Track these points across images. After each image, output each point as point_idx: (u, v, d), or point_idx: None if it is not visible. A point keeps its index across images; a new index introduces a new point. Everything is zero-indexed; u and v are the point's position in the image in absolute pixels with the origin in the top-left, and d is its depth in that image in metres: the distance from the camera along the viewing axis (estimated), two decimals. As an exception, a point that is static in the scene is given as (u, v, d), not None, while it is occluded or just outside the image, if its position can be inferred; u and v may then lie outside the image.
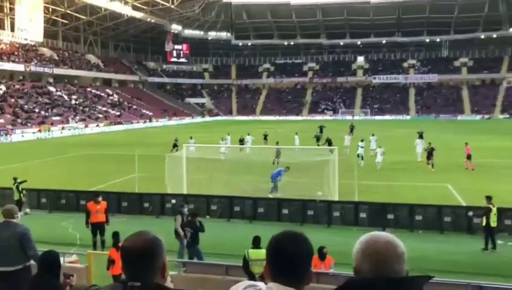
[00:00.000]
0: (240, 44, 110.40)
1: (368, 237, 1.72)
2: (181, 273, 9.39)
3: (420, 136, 31.95)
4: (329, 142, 32.77)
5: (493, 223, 13.18)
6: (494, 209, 13.31)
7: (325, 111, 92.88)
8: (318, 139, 37.25)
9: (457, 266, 11.84)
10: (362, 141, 29.58)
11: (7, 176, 23.73)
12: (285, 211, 16.53)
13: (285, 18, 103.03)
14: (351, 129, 48.62)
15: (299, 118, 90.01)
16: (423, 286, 1.64)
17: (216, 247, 13.34)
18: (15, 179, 17.77)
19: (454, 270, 11.43)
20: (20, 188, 17.55)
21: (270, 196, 18.71)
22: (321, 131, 46.66)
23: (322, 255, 9.53)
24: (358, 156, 28.08)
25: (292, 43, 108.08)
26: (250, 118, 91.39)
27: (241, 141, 34.54)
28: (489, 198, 13.58)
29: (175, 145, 31.03)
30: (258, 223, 16.24)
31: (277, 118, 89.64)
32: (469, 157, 26.19)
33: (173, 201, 17.44)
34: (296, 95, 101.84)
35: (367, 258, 1.66)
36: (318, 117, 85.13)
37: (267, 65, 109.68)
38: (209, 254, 12.67)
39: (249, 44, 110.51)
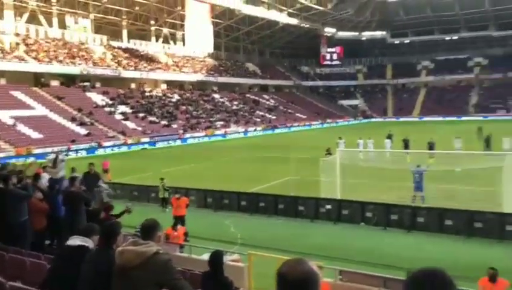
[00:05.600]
0: (396, 42, 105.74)
1: None
2: (336, 281, 9.35)
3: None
4: (487, 142, 32.36)
5: None
6: None
7: (497, 110, 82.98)
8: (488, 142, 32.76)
9: None
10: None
11: (176, 177, 26.61)
12: (448, 222, 15.27)
13: (447, 11, 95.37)
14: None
15: (463, 118, 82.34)
16: None
17: (372, 256, 12.98)
18: (162, 179, 20.17)
19: None
20: (165, 187, 19.88)
21: (422, 203, 17.50)
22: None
23: (492, 277, 8.56)
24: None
25: (455, 38, 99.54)
26: (406, 119, 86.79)
27: (406, 143, 32.13)
28: None
29: (328, 153, 30.96)
30: (418, 233, 15.32)
31: (436, 118, 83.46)
32: None
33: (328, 206, 17.45)
34: (459, 93, 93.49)
35: None
36: (490, 117, 76.64)
37: (426, 62, 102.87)
38: (364, 262, 12.39)
39: (406, 41, 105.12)
